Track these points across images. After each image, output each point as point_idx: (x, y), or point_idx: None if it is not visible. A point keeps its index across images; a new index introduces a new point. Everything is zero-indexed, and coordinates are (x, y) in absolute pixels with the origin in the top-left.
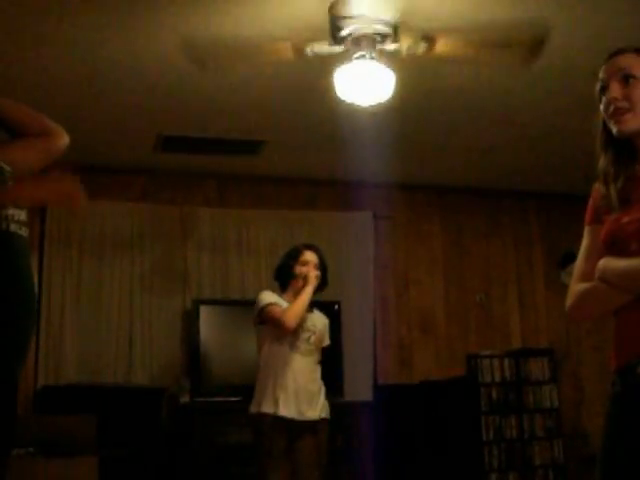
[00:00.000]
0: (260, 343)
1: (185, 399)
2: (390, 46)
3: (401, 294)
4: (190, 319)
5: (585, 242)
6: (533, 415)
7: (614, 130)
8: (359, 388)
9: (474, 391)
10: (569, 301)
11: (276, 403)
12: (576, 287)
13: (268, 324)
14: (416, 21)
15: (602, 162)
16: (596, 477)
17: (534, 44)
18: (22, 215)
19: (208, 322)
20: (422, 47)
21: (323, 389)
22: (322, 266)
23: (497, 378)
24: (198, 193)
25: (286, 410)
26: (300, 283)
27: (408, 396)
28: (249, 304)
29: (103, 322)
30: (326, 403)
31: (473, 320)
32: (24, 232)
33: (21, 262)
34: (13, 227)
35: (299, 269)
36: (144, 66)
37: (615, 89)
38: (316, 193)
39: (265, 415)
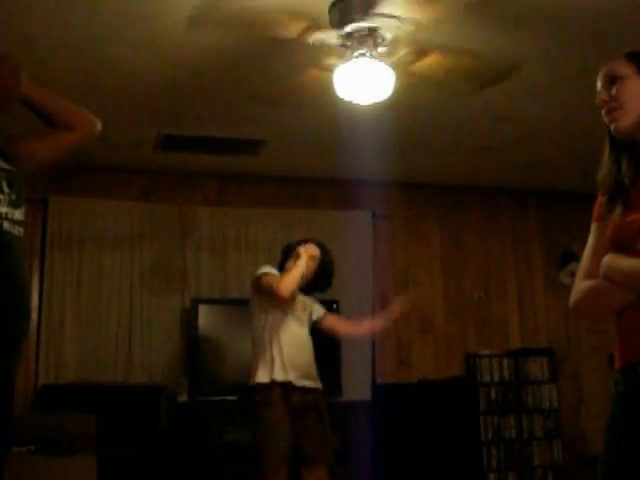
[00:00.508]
0: (255, 312)
1: (184, 398)
2: (385, 49)
3: (400, 293)
4: (189, 318)
5: (591, 239)
6: (532, 415)
7: (612, 130)
8: (358, 387)
9: (473, 391)
10: (573, 298)
11: (277, 369)
12: (581, 284)
13: (263, 293)
14: (409, 33)
15: (605, 167)
16: (598, 476)
17: (494, 77)
18: (17, 214)
19: (207, 321)
20: (412, 58)
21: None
22: (323, 264)
23: (496, 378)
24: (197, 192)
25: (285, 375)
26: (293, 259)
27: (407, 395)
28: (248, 303)
29: (103, 321)
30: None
31: (472, 319)
32: (17, 231)
33: (14, 260)
34: (6, 226)
35: (298, 248)
36: (144, 65)
37: (603, 92)
38: (315, 192)
39: (265, 384)
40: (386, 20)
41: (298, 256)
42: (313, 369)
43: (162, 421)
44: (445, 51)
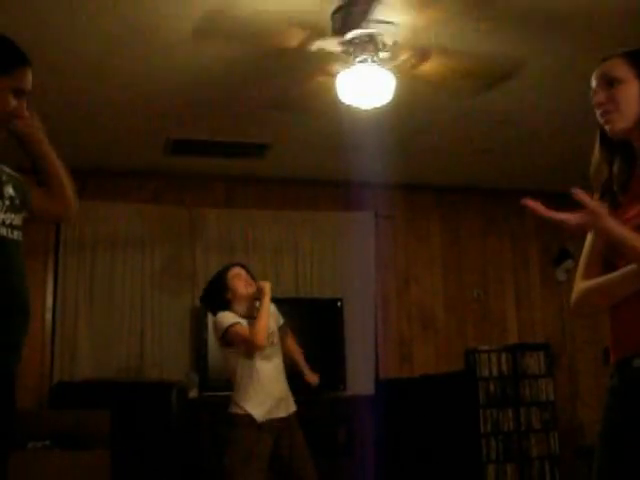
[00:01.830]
0: (231, 364)
1: (194, 393)
2: (387, 54)
3: (401, 291)
4: (198, 317)
5: (587, 240)
6: (529, 408)
7: (607, 130)
8: (361, 382)
9: (472, 385)
10: (573, 298)
11: (260, 407)
12: (580, 285)
13: (235, 345)
14: (410, 38)
15: (597, 167)
16: (594, 466)
17: (496, 78)
18: (15, 219)
19: None
20: (413, 62)
21: (287, 387)
22: (253, 277)
23: (494, 372)
24: (206, 195)
25: (256, 412)
26: (238, 293)
27: (408, 390)
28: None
29: (115, 320)
30: (291, 397)
31: (471, 316)
32: (16, 235)
33: (11, 263)
34: (3, 231)
35: (231, 283)
36: (154, 73)
37: (600, 94)
38: (319, 194)
39: (239, 415)
40: (385, 26)
41: (262, 292)
42: (285, 397)
43: (173, 416)
44: (446, 54)
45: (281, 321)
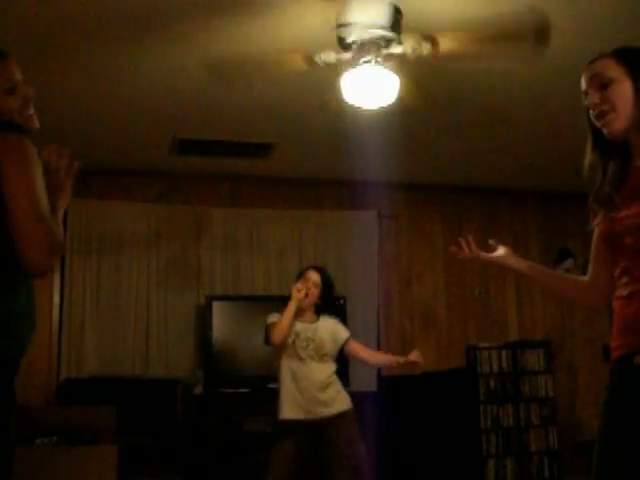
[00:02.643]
0: (274, 359)
1: (199, 390)
2: (395, 50)
3: (404, 289)
4: (203, 314)
5: (592, 242)
6: (529, 404)
7: (605, 133)
8: (364, 379)
9: (473, 381)
10: None
11: (283, 408)
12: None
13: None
14: (418, 23)
15: (590, 167)
16: (594, 461)
17: (539, 34)
18: None
19: (220, 317)
20: (426, 48)
21: (334, 387)
22: (325, 285)
23: (495, 369)
24: (211, 194)
25: (291, 413)
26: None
27: (410, 386)
28: (259, 300)
29: (121, 317)
30: (340, 397)
31: (472, 314)
32: None
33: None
34: None
35: (295, 286)
36: (161, 74)
37: (594, 95)
38: (323, 193)
39: (277, 420)
40: (412, 37)
41: (290, 296)
42: (320, 400)
43: (178, 412)
44: (462, 27)
45: (344, 335)
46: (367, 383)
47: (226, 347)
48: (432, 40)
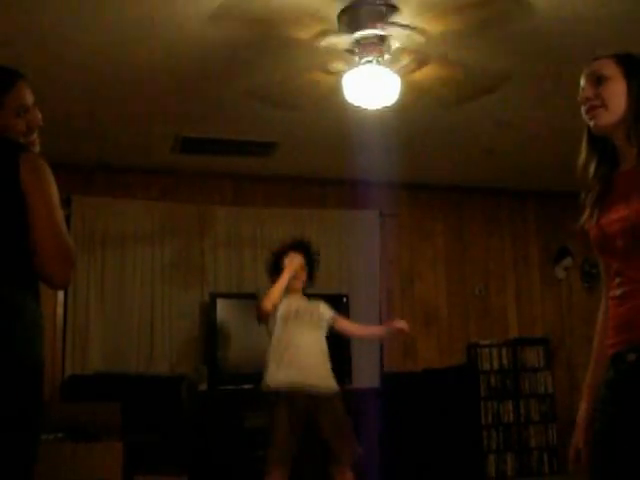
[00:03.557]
0: (267, 333)
1: (203, 386)
2: (391, 45)
3: (406, 287)
4: (207, 311)
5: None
6: (529, 400)
7: (591, 126)
8: (367, 375)
9: (474, 378)
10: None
11: (280, 377)
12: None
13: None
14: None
15: (583, 167)
16: (592, 458)
17: (479, 91)
18: None
19: (224, 314)
20: (411, 68)
21: (329, 364)
22: (310, 264)
23: (495, 366)
24: (214, 192)
25: (284, 379)
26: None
27: (412, 383)
28: None
29: (126, 314)
30: (333, 377)
31: (473, 311)
32: None
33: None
34: None
35: (289, 256)
36: (164, 72)
37: (588, 90)
38: (325, 192)
39: (268, 389)
40: (398, 29)
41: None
42: (321, 374)
43: (183, 409)
44: (442, 63)
45: (332, 313)
46: (370, 379)
47: (230, 344)
48: (421, 63)
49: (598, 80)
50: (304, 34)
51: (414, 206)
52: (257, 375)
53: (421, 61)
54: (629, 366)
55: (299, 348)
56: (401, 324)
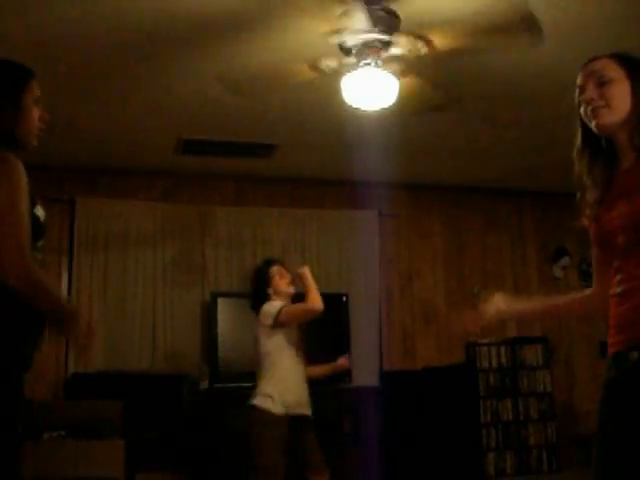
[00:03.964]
0: (269, 343)
1: (205, 385)
2: (393, 51)
3: (405, 286)
4: (209, 311)
5: (592, 252)
6: (528, 399)
7: (593, 126)
8: (366, 374)
9: (473, 377)
10: None
11: (278, 400)
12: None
13: (293, 320)
14: (413, 23)
15: (577, 167)
16: (593, 456)
17: (528, 23)
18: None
19: (225, 313)
20: (422, 47)
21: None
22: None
23: (494, 364)
24: (215, 193)
25: (282, 406)
26: (279, 290)
27: (412, 381)
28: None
29: (128, 314)
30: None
31: (471, 310)
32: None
33: None
34: (39, 255)
35: (273, 281)
36: (164, 73)
37: (591, 90)
38: (325, 193)
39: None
40: (407, 38)
41: (301, 277)
42: (306, 396)
43: (185, 407)
44: (418, 76)
45: None
46: (369, 378)
47: (231, 343)
48: (427, 39)
49: (601, 81)
50: (306, 23)
51: (412, 206)
52: None
53: (403, 72)
54: (631, 365)
55: (300, 374)
56: (342, 361)
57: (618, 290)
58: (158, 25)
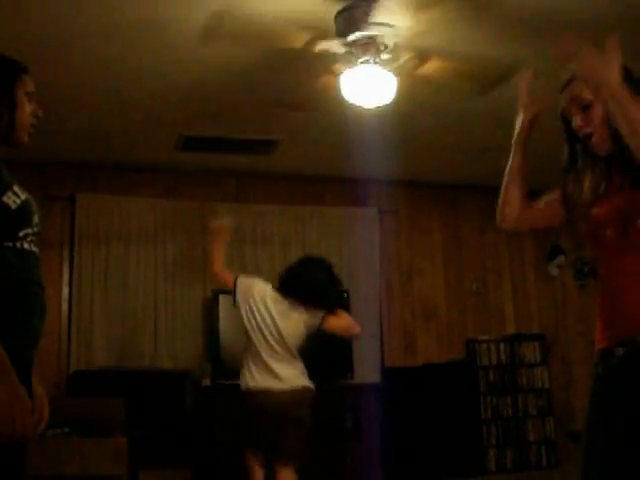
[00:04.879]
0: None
1: (207, 382)
2: (389, 56)
3: (405, 283)
4: (210, 307)
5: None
6: (526, 395)
7: (595, 151)
8: (367, 371)
9: (473, 373)
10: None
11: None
12: None
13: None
14: (410, 40)
15: (567, 183)
16: (581, 449)
17: (494, 80)
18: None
19: (227, 310)
20: (414, 63)
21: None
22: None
23: (494, 361)
24: (216, 190)
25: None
26: None
27: (412, 378)
28: None
29: (130, 310)
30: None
31: (471, 307)
32: (34, 247)
33: (31, 274)
34: (26, 245)
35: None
36: (166, 71)
37: (577, 119)
38: (325, 190)
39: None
40: (383, 28)
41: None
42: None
43: (187, 404)
44: (444, 56)
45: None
46: (370, 375)
47: (233, 339)
48: (423, 58)
49: (583, 105)
50: (298, 43)
51: (412, 203)
52: None
53: (423, 56)
54: (618, 360)
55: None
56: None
57: (605, 286)
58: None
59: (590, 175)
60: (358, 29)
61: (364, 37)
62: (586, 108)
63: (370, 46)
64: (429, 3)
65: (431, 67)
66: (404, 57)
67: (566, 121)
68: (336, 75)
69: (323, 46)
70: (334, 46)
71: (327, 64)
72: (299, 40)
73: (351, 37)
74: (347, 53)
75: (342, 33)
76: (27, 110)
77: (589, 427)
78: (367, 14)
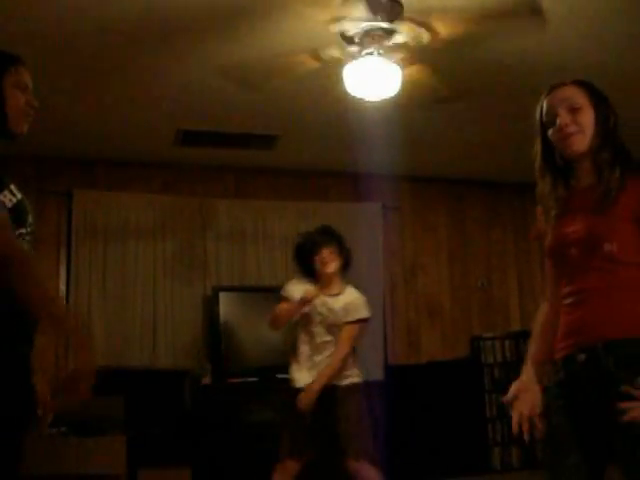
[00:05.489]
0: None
1: (207, 380)
2: (396, 40)
3: (409, 280)
4: (210, 305)
5: (547, 267)
6: None
7: (567, 152)
8: (371, 368)
9: (478, 371)
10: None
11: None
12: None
13: None
14: (415, 11)
15: (540, 186)
16: (545, 455)
17: (532, 7)
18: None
19: (227, 308)
20: (425, 35)
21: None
22: (343, 252)
23: (499, 358)
24: (216, 185)
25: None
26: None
27: (416, 376)
28: (265, 290)
29: (128, 308)
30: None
31: (476, 304)
32: (28, 247)
33: None
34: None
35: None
36: (164, 66)
37: (564, 116)
38: (328, 185)
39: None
40: (410, 26)
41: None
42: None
43: (186, 403)
44: (427, 66)
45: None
46: (374, 372)
47: (233, 337)
48: (430, 27)
49: (572, 108)
50: (307, 12)
51: (416, 199)
52: (260, 368)
53: (411, 61)
54: (579, 366)
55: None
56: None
57: (568, 301)
58: (156, 15)
59: (561, 181)
60: (356, 23)
61: (363, 29)
62: (576, 110)
63: (380, 38)
64: (458, 16)
65: (410, 72)
66: (398, 55)
67: (543, 127)
68: (339, 66)
69: (331, 53)
70: (340, 49)
71: (322, 46)
72: (306, 63)
73: (351, 33)
74: (350, 42)
75: (344, 32)
76: (20, 100)
77: (553, 434)
78: (392, 7)
